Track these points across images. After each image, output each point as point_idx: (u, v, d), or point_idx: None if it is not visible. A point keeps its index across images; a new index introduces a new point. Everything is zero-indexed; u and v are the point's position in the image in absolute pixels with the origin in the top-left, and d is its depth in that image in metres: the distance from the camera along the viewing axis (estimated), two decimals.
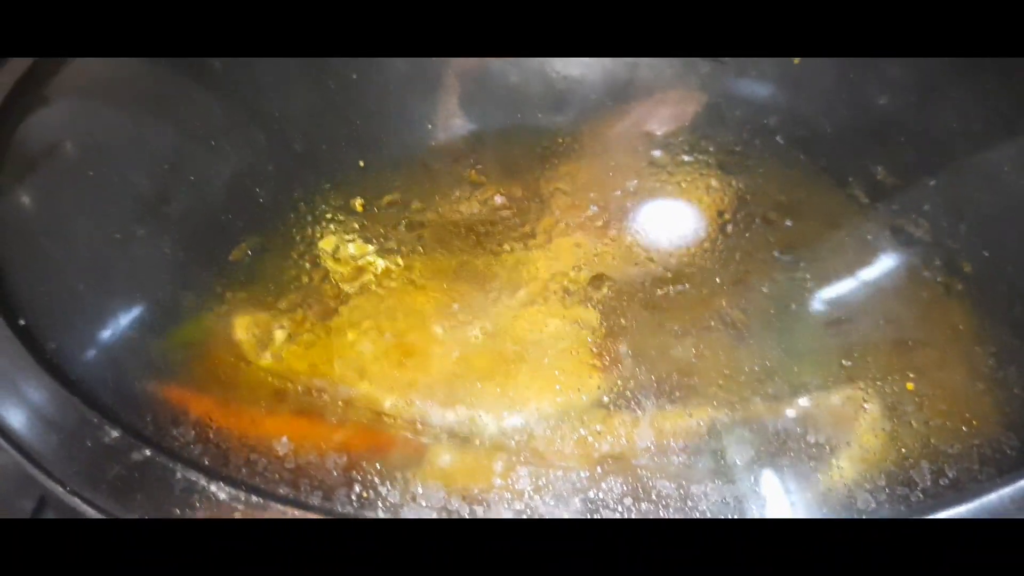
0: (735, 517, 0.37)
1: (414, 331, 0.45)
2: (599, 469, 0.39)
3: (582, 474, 0.39)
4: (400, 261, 0.47)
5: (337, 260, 0.47)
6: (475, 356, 0.44)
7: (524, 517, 0.38)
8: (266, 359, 0.44)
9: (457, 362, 0.43)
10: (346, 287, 0.46)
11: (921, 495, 0.38)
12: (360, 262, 0.47)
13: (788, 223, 0.47)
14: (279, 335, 0.44)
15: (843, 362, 0.42)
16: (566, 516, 0.38)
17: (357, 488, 0.39)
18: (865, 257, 0.46)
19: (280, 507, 0.37)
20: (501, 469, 0.39)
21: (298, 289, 0.46)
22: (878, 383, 0.41)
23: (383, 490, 0.39)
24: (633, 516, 0.38)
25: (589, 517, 0.38)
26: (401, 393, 0.42)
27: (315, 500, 0.38)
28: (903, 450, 0.40)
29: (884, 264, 0.46)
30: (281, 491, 0.38)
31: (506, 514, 0.38)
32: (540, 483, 0.39)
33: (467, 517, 0.38)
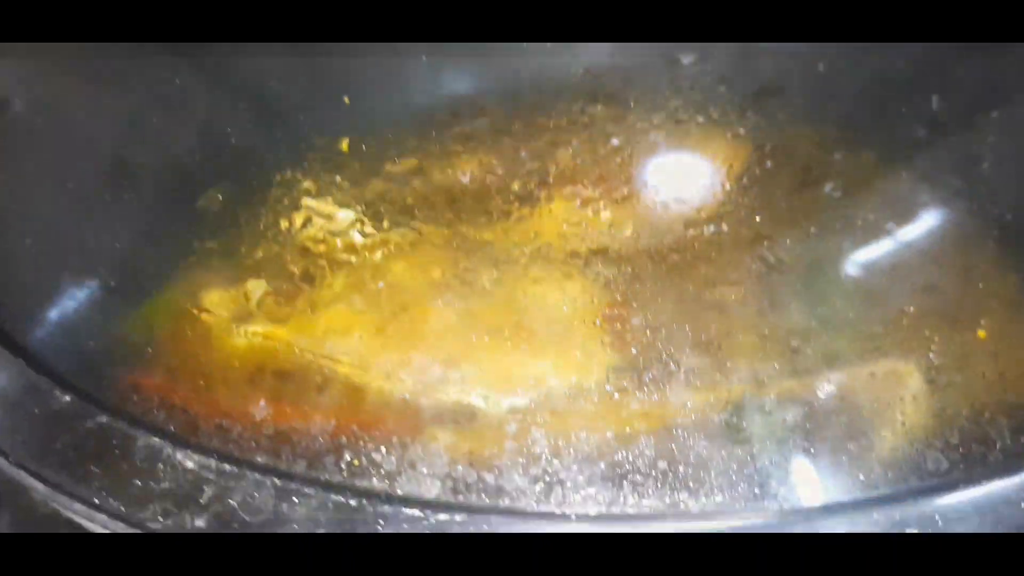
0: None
1: (411, 296, 0.40)
2: (627, 429, 0.34)
3: (607, 434, 0.34)
4: (395, 221, 0.42)
5: (322, 220, 0.42)
6: (478, 321, 0.39)
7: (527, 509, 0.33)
8: (244, 324, 0.39)
9: (459, 326, 0.39)
10: (335, 251, 0.41)
11: (1001, 455, 0.33)
12: (349, 223, 0.42)
13: (815, 186, 0.43)
14: (257, 298, 0.39)
15: (903, 319, 0.37)
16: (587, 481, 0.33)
17: (347, 455, 0.33)
18: (900, 218, 0.42)
19: (258, 476, 0.32)
20: (514, 431, 0.34)
21: (277, 249, 0.40)
22: (934, 344, 0.36)
23: (376, 456, 0.33)
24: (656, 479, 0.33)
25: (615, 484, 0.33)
26: (396, 361, 0.37)
27: (299, 468, 0.33)
28: (975, 405, 0.35)
29: (921, 223, 0.41)
30: (259, 459, 0.33)
31: (520, 481, 0.33)
32: (559, 444, 0.33)
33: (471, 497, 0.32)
